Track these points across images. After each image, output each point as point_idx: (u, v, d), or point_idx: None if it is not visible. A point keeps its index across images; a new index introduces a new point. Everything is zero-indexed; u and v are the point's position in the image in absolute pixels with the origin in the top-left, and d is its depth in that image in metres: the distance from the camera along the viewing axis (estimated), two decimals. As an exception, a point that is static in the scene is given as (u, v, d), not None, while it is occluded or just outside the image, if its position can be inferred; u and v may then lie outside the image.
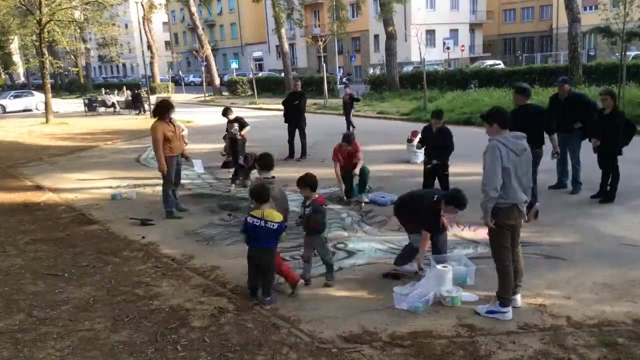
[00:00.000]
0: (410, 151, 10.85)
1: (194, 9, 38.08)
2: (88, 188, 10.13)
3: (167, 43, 70.04)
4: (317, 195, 5.12)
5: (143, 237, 6.84)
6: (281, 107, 12.57)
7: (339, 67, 47.65)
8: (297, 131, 11.87)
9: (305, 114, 12.18)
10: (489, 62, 38.52)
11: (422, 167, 8.29)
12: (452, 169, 7.98)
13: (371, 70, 39.52)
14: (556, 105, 7.94)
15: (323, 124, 17.28)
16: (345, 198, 8.08)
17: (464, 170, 9.51)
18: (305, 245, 5.15)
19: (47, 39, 24.83)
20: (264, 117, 23.02)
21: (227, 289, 5.05)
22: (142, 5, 36.63)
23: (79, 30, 35.82)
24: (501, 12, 52.91)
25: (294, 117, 11.82)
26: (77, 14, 25.52)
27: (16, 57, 53.14)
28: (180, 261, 5.89)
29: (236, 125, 9.77)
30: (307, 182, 5.08)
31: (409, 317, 4.29)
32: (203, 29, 42.30)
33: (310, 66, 52.55)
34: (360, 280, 5.10)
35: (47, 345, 4.12)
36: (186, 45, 68.74)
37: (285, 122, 12.02)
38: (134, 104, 26.73)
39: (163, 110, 7.51)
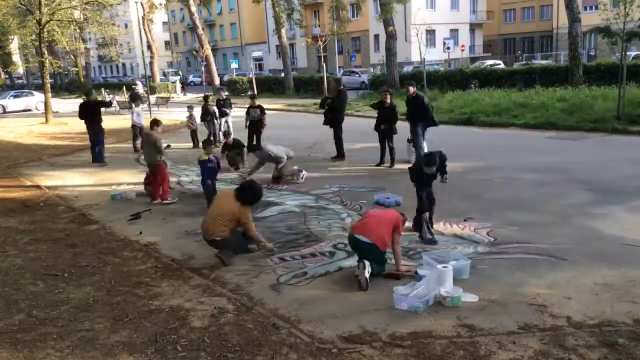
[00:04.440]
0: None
1: (194, 9, 38.04)
2: (88, 188, 10.13)
3: (167, 43, 70.02)
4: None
5: (140, 233, 6.91)
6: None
7: (339, 67, 47.62)
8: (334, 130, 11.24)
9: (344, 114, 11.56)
10: (489, 62, 38.48)
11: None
12: (452, 168, 7.93)
13: (371, 70, 39.54)
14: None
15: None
16: None
17: (464, 170, 9.52)
18: None
19: (46, 39, 24.81)
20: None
21: (227, 289, 5.05)
22: (142, 5, 36.61)
23: (78, 30, 35.90)
24: (501, 12, 52.89)
25: (329, 117, 11.25)
26: (77, 14, 25.48)
27: (16, 57, 53.12)
28: (180, 261, 5.88)
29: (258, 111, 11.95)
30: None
31: (409, 317, 4.29)
32: (203, 29, 42.28)
33: (310, 66, 52.53)
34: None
35: (47, 345, 4.12)
36: (186, 45, 68.71)
37: (323, 124, 11.48)
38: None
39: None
